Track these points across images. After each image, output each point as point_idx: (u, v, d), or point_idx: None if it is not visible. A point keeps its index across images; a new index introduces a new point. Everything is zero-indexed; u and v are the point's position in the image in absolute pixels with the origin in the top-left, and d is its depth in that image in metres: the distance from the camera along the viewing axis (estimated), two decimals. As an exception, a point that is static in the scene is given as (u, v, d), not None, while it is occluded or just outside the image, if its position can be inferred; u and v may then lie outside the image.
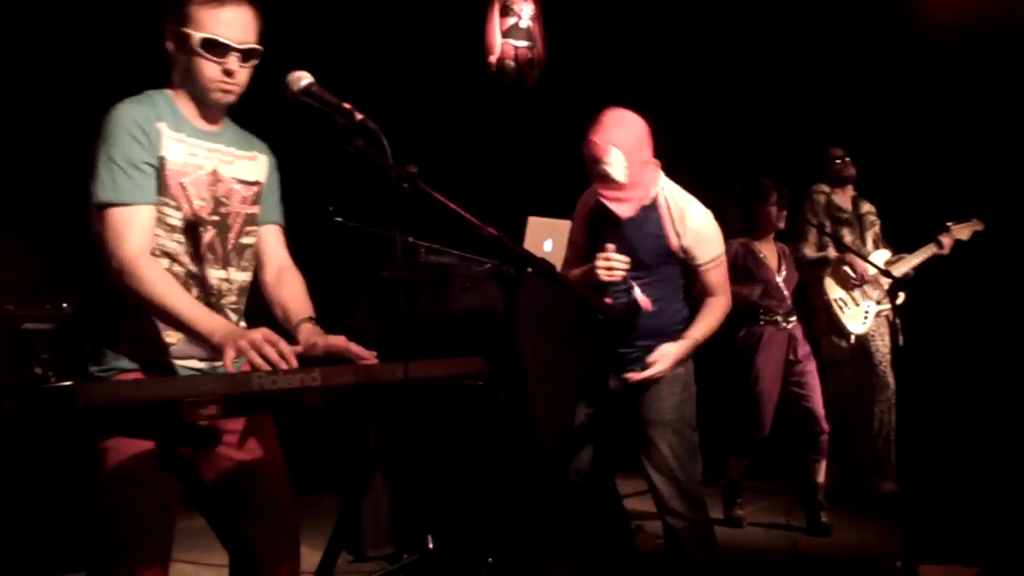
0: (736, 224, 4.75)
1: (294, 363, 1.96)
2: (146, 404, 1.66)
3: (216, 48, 2.14)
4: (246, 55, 2.18)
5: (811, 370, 4.75)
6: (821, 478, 4.70)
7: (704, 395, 3.37)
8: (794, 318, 4.77)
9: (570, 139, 6.75)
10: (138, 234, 2.10)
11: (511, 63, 6.74)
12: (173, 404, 1.67)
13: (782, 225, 4.76)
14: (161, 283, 2.07)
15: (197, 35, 2.14)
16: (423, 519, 3.90)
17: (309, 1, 5.56)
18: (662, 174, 3.18)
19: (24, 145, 4.31)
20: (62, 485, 3.66)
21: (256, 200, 2.37)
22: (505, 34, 6.76)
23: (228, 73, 2.17)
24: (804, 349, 4.77)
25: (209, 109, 2.25)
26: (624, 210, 3.06)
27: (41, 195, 4.21)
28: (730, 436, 4.85)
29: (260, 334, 1.98)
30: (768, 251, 4.75)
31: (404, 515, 4.06)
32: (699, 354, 3.26)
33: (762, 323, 4.69)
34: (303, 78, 2.01)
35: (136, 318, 2.15)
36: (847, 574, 4.06)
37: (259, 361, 1.94)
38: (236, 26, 2.16)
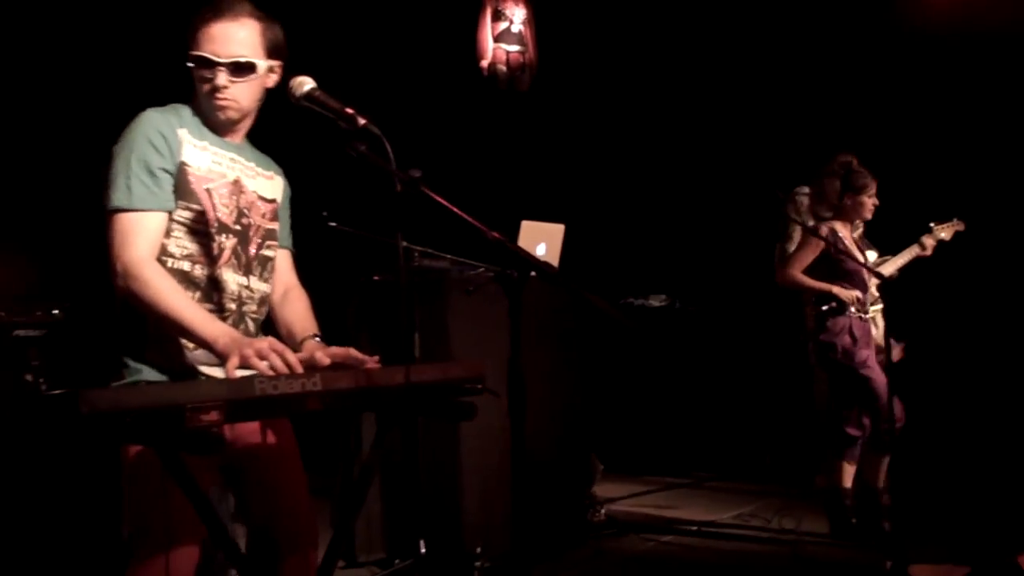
0: (833, 199, 4.61)
1: (300, 371, 1.97)
2: (149, 410, 1.65)
3: (203, 64, 2.18)
4: (234, 69, 2.19)
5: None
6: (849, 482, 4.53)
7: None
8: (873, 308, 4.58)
9: (562, 143, 6.84)
10: (145, 239, 2.11)
11: (503, 68, 6.74)
12: (176, 410, 1.66)
13: (869, 217, 4.63)
14: (165, 287, 2.07)
15: (191, 53, 2.18)
16: (415, 523, 3.90)
17: (301, 7, 5.55)
18: None
19: (19, 154, 4.29)
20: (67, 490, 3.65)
21: (274, 217, 2.40)
22: (497, 39, 6.76)
23: (216, 88, 2.19)
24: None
25: (220, 125, 2.28)
26: None
27: (34, 202, 4.20)
28: (835, 438, 4.58)
29: (266, 343, 1.99)
30: (849, 238, 4.60)
31: (396, 519, 4.05)
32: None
33: (854, 313, 4.47)
34: (305, 83, 2.01)
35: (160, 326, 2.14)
36: (837, 575, 4.08)
37: (264, 369, 1.94)
38: (223, 41, 2.18)
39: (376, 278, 4.13)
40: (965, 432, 5.58)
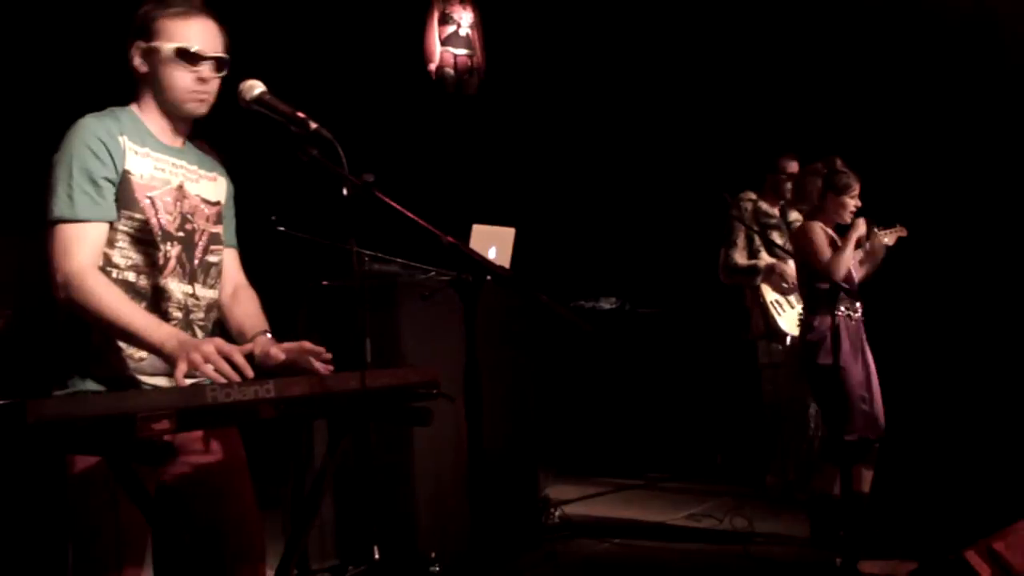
0: (814, 199, 4.45)
1: (250, 373, 1.95)
2: (98, 419, 1.62)
3: (189, 57, 2.16)
4: (217, 64, 2.20)
5: (874, 369, 4.37)
6: (868, 487, 4.38)
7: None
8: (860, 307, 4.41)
9: (510, 146, 6.85)
10: (86, 249, 2.06)
11: (450, 71, 6.73)
12: (126, 419, 1.63)
13: (848, 220, 4.44)
14: (109, 295, 2.03)
15: (168, 46, 2.15)
16: (368, 529, 3.87)
17: (248, 9, 5.49)
18: None
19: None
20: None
21: (218, 220, 2.37)
22: (444, 42, 6.74)
23: (202, 81, 2.18)
24: (866, 345, 4.40)
25: (179, 123, 2.25)
26: None
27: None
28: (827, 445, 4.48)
29: (212, 345, 1.95)
30: (836, 239, 4.44)
31: (349, 526, 4.02)
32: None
33: (840, 312, 4.22)
34: (256, 87, 1.99)
35: (105, 336, 2.11)
36: (788, 572, 4.13)
37: (213, 375, 1.91)
38: (205, 37, 2.18)
39: (325, 283, 4.10)
40: (912, 428, 5.68)
